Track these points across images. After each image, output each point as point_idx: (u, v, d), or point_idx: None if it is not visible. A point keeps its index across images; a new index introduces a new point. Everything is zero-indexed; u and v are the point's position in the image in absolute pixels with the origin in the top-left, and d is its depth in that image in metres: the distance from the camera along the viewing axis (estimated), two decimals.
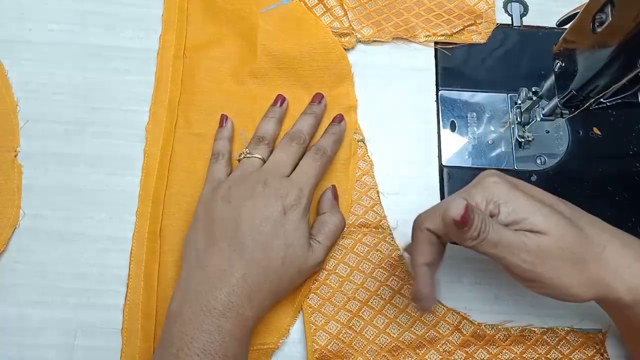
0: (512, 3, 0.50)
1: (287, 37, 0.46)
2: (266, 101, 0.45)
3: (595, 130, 0.46)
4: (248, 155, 0.40)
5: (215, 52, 0.47)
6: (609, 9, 0.31)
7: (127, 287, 0.39)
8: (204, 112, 0.45)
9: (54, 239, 0.40)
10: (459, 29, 0.48)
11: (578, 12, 0.36)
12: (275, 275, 0.36)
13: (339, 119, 0.44)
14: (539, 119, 0.41)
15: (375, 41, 0.47)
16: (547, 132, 0.45)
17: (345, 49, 0.47)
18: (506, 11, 0.50)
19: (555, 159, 0.45)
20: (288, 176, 0.39)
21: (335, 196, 0.42)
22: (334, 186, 0.42)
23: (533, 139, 0.44)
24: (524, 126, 0.44)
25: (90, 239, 0.41)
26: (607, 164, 0.45)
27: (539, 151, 0.45)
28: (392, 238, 0.42)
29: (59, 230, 0.41)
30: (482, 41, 0.48)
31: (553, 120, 0.42)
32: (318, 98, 0.44)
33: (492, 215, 0.32)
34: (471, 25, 0.48)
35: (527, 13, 0.50)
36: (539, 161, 0.44)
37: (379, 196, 0.43)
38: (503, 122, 0.46)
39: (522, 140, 0.44)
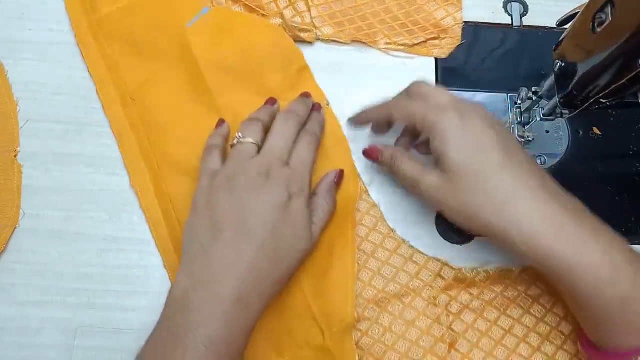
0: (512, 3, 0.50)
1: (222, 41, 0.45)
2: (231, 110, 0.43)
3: (595, 130, 0.46)
4: (241, 141, 0.39)
5: (161, 83, 0.44)
6: (609, 9, 0.31)
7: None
8: (177, 142, 0.43)
9: (54, 239, 0.40)
10: (420, 40, 0.47)
11: (578, 12, 0.36)
12: (282, 261, 0.36)
13: (317, 108, 0.44)
14: (539, 119, 0.41)
15: (334, 41, 0.47)
16: (547, 132, 0.45)
17: (308, 42, 0.46)
18: (506, 11, 0.50)
19: (555, 159, 0.45)
20: (287, 162, 0.39)
21: (339, 182, 0.42)
22: (342, 171, 0.42)
23: (533, 139, 0.44)
24: (524, 126, 0.44)
25: (90, 239, 0.41)
26: (607, 164, 0.45)
27: (539, 151, 0.45)
28: (368, 196, 0.42)
29: (59, 230, 0.41)
30: (444, 56, 0.47)
31: (553, 120, 0.42)
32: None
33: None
34: (435, 39, 0.47)
35: (527, 13, 0.50)
36: (539, 161, 0.44)
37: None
38: (503, 122, 0.45)
39: (522, 140, 0.44)
